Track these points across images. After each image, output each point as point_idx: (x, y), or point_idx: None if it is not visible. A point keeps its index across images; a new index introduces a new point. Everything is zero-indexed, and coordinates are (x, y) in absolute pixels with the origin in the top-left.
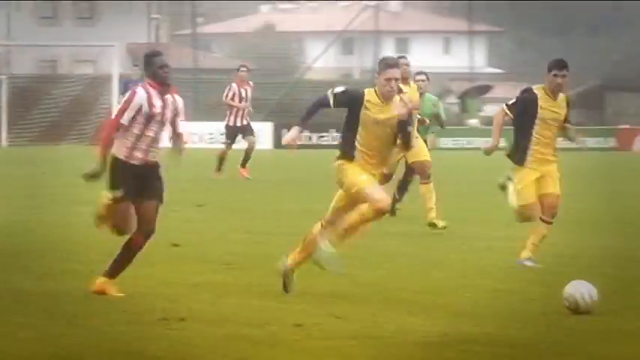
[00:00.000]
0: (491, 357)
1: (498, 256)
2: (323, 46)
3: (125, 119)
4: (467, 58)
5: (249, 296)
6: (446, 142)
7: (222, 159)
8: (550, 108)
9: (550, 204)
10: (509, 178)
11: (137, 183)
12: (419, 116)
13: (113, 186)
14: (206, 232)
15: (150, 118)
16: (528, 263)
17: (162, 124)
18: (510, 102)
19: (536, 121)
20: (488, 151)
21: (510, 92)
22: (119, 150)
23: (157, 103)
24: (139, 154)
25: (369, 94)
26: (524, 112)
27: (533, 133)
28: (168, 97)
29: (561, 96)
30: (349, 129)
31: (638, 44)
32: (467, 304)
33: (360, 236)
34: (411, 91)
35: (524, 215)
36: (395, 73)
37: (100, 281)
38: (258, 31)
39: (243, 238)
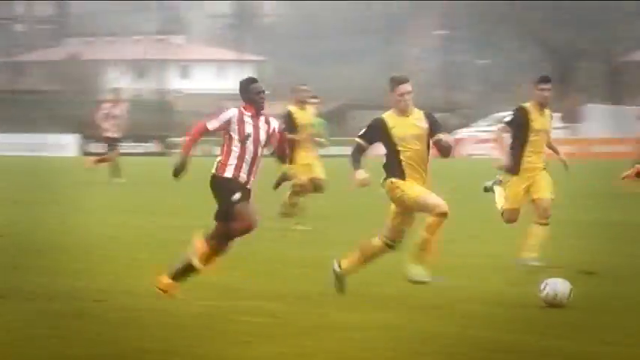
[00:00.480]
0: (255, 325)
1: (268, 244)
2: (120, 72)
3: (210, 125)
4: (238, 81)
5: (57, 276)
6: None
7: (104, 161)
8: (539, 119)
9: (543, 207)
10: (497, 182)
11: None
12: (323, 140)
13: (229, 195)
14: (23, 224)
15: (243, 138)
16: (535, 263)
17: (257, 144)
18: (506, 119)
19: (529, 132)
20: (500, 167)
21: (271, 109)
22: (225, 172)
23: (249, 124)
24: (244, 175)
25: (388, 116)
26: (519, 125)
27: (526, 144)
28: (262, 119)
29: (547, 110)
30: (390, 152)
31: (375, 72)
32: (235, 283)
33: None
34: (307, 114)
35: (509, 218)
36: (407, 87)
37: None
38: (66, 59)
39: (54, 227)
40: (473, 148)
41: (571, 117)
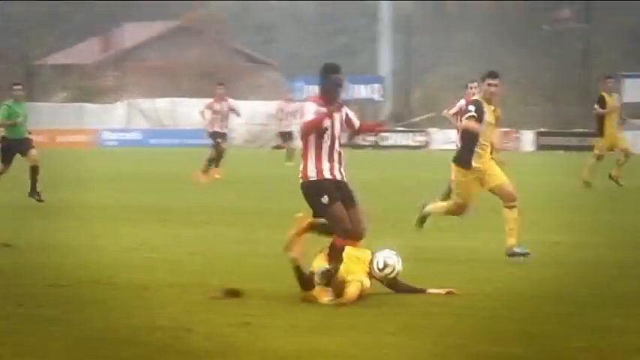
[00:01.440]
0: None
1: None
2: None
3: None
4: None
5: None
6: None
7: None
8: (489, 112)
9: (506, 191)
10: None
11: (336, 189)
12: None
13: (319, 195)
14: None
15: (321, 133)
16: (518, 250)
17: (334, 137)
18: (470, 112)
19: (482, 126)
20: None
21: None
22: (308, 174)
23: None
24: (327, 173)
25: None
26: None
27: (480, 136)
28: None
29: (491, 106)
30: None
31: None
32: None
33: None
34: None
35: (461, 211)
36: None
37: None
38: None
39: None
40: None
41: None
